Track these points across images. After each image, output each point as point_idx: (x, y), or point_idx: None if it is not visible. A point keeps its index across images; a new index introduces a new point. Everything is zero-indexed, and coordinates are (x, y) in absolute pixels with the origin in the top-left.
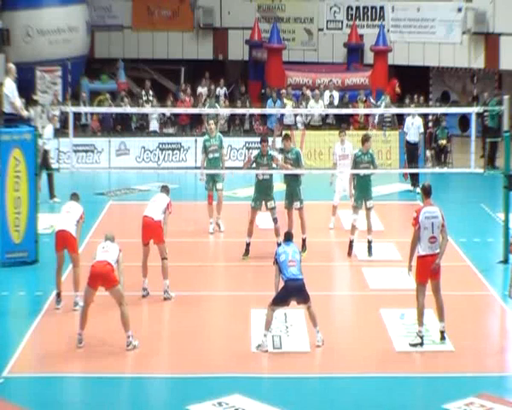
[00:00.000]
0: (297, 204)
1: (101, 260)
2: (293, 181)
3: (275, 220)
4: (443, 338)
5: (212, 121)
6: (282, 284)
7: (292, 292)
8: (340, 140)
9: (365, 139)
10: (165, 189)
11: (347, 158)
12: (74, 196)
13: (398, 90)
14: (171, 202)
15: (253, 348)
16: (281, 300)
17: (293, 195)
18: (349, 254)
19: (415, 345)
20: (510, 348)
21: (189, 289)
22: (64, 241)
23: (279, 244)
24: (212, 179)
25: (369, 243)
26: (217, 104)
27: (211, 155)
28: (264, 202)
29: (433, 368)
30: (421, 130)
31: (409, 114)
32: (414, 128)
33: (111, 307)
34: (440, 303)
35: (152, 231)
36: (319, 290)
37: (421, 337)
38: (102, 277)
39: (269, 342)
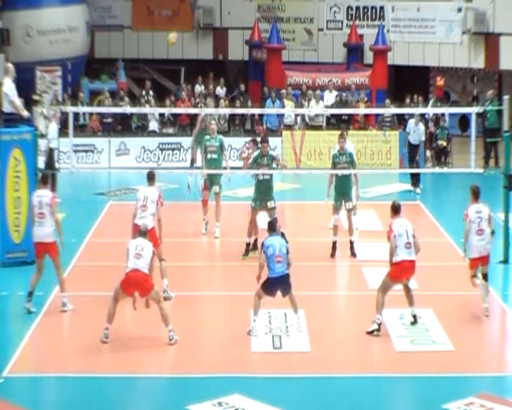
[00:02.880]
0: (271, 204)
1: (135, 269)
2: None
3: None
4: (415, 322)
5: (214, 121)
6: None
7: (277, 286)
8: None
9: (340, 140)
10: (151, 179)
11: None
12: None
13: (440, 83)
14: (160, 194)
15: (253, 348)
16: (267, 291)
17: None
18: (332, 255)
19: (372, 332)
20: (510, 348)
21: (189, 289)
22: (44, 247)
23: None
24: (210, 181)
25: (351, 243)
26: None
27: (209, 156)
28: (264, 203)
29: (433, 368)
30: (423, 138)
31: (412, 117)
32: (416, 134)
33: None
34: (409, 291)
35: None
36: (319, 290)
37: (379, 324)
38: (138, 286)
39: (258, 329)
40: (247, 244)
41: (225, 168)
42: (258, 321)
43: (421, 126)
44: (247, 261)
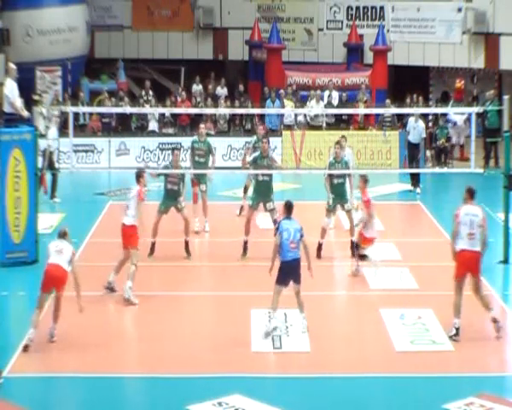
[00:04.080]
0: (270, 205)
1: (54, 264)
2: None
3: (275, 222)
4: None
5: (202, 125)
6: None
7: (290, 272)
8: (335, 152)
9: (336, 146)
10: (137, 177)
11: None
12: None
13: (459, 85)
14: (141, 189)
15: (253, 348)
16: (282, 281)
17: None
18: (318, 256)
19: (450, 337)
20: (510, 348)
21: (189, 289)
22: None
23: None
24: (197, 180)
25: (352, 243)
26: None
27: (197, 158)
28: (262, 203)
29: (433, 368)
30: (424, 135)
31: (412, 115)
32: (416, 131)
33: (110, 307)
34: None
35: (127, 238)
36: (319, 290)
37: (457, 329)
38: (55, 280)
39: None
40: (245, 242)
41: (210, 168)
42: (278, 318)
43: (421, 124)
44: (246, 261)
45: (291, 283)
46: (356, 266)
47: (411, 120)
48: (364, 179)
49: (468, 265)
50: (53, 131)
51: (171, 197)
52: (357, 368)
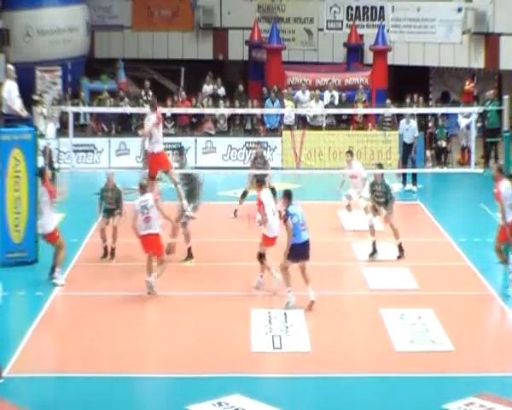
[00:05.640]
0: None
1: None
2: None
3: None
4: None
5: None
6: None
7: (303, 253)
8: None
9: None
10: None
11: (356, 177)
12: None
13: (468, 88)
14: (155, 194)
15: (254, 348)
16: (293, 258)
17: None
18: (371, 254)
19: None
20: (510, 348)
21: (188, 289)
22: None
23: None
24: None
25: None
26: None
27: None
28: None
29: (433, 368)
30: (416, 134)
31: (403, 118)
32: (409, 132)
33: (110, 308)
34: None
35: (152, 245)
36: (319, 290)
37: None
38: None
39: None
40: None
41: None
42: (292, 291)
43: (413, 124)
44: (247, 261)
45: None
46: (259, 277)
47: (402, 122)
48: (258, 182)
49: None
50: (50, 129)
51: None
52: (357, 368)
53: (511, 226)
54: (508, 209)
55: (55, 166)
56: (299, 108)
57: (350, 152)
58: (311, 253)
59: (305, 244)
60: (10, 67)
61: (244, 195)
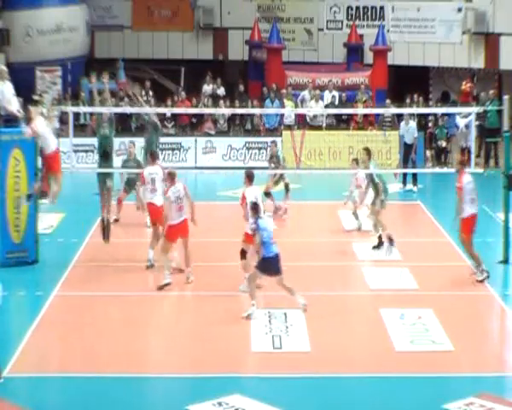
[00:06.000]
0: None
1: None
2: None
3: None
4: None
5: (132, 144)
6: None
7: (273, 267)
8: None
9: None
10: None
11: (361, 187)
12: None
13: (464, 87)
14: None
15: (253, 348)
16: (263, 271)
17: None
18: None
19: (482, 280)
20: (510, 348)
21: (188, 288)
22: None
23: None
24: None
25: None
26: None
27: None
28: None
29: (433, 368)
30: (416, 134)
31: (402, 119)
32: (409, 133)
33: (110, 308)
34: None
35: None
36: (319, 290)
37: (487, 271)
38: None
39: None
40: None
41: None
42: (256, 304)
43: (412, 124)
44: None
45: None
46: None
47: (402, 124)
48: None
49: None
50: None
51: None
52: (357, 368)
53: (468, 220)
54: (468, 203)
55: None
56: (304, 108)
57: (355, 160)
58: (311, 253)
59: (276, 258)
60: (3, 67)
61: (267, 194)
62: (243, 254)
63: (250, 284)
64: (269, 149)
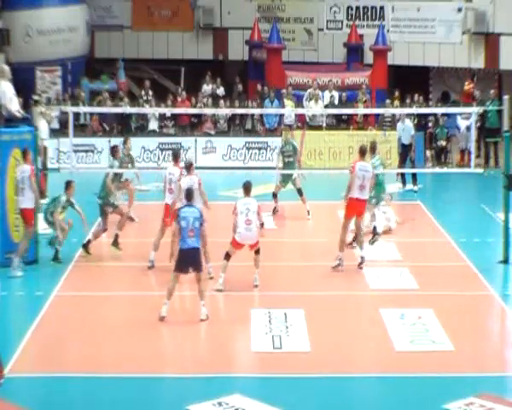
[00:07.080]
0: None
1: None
2: None
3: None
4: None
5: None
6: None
7: (189, 260)
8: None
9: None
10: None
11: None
12: None
13: (467, 88)
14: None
15: (253, 348)
16: (179, 265)
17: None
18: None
19: (335, 266)
20: (510, 348)
21: (188, 288)
22: None
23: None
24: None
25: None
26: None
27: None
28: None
29: (433, 368)
30: (412, 133)
31: (399, 120)
32: (405, 132)
33: (110, 308)
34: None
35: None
36: (319, 290)
37: (342, 261)
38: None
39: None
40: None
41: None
42: (165, 311)
43: (408, 123)
44: (248, 261)
45: (192, 270)
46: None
47: (399, 125)
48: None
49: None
50: (44, 126)
51: None
52: (356, 368)
53: (350, 202)
54: (355, 189)
55: (55, 166)
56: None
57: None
58: (311, 253)
59: (192, 251)
60: (5, 67)
61: (274, 196)
62: (227, 256)
63: (171, 282)
64: (269, 147)
